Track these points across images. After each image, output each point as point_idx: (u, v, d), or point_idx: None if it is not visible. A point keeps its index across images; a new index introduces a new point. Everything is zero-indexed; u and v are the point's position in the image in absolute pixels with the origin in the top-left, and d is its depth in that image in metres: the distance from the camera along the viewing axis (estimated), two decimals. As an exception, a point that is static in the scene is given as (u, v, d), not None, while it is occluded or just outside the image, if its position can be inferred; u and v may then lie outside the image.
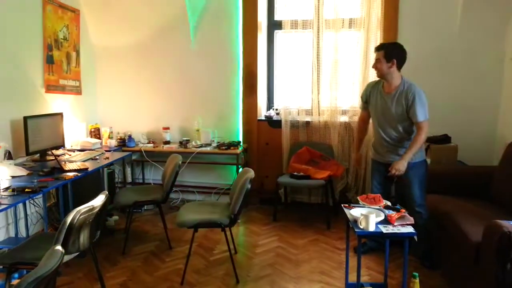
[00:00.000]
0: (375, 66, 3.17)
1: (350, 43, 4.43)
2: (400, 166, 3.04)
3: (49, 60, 4.04)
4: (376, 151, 3.39)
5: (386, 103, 3.17)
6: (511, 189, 3.17)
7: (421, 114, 3.03)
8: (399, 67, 3.12)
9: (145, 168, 5.01)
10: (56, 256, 1.64)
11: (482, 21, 4.08)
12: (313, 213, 4.44)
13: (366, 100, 3.37)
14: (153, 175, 4.95)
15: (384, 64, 3.09)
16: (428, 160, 3.92)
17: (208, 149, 4.52)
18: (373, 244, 3.47)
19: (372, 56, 4.24)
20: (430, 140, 4.07)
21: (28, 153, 3.49)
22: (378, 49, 3.17)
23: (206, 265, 3.27)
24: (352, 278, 2.79)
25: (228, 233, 3.17)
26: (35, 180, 2.89)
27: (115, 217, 4.18)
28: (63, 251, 1.70)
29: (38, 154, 3.65)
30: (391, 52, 3.09)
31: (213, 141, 4.65)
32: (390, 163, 3.24)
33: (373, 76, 4.27)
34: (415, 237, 2.40)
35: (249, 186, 2.87)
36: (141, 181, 5.02)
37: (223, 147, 4.45)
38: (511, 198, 3.12)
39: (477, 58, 4.17)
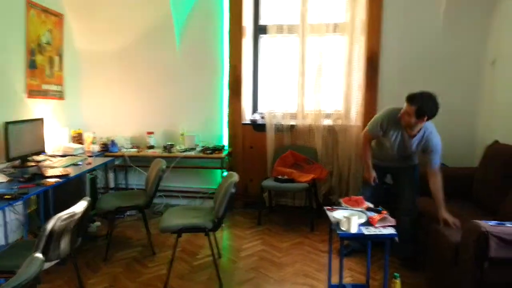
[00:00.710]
0: (403, 116, 3.03)
1: (335, 48, 4.49)
2: (450, 217, 2.94)
3: (32, 65, 3.99)
4: (377, 159, 3.44)
5: (406, 143, 3.18)
6: (490, 190, 3.24)
7: (437, 161, 3.11)
8: (428, 120, 3.03)
9: (128, 173, 4.98)
10: (35, 263, 1.63)
11: (464, 25, 4.17)
12: (297, 216, 4.47)
13: (382, 132, 3.25)
14: (136, 180, 4.91)
15: (413, 119, 2.98)
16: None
17: (192, 153, 4.51)
18: (357, 245, 3.50)
19: (356, 60, 4.35)
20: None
21: (8, 159, 3.44)
22: (410, 103, 2.95)
23: (190, 270, 3.25)
24: (335, 280, 2.81)
25: (212, 237, 3.16)
26: (15, 187, 2.84)
27: (97, 223, 4.14)
28: (43, 258, 1.68)
29: (19, 160, 3.60)
30: (424, 111, 2.93)
31: (198, 145, 4.65)
32: (389, 167, 3.36)
33: (357, 81, 4.37)
34: (396, 238, 2.43)
35: (233, 190, 2.87)
36: (124, 186, 4.98)
37: (208, 151, 4.45)
38: (490, 198, 3.19)
39: (458, 61, 4.25)
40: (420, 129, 3.09)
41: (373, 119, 3.39)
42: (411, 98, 2.96)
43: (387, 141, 3.27)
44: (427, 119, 2.99)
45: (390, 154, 3.31)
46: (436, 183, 3.07)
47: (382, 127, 3.22)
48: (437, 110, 2.95)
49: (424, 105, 2.92)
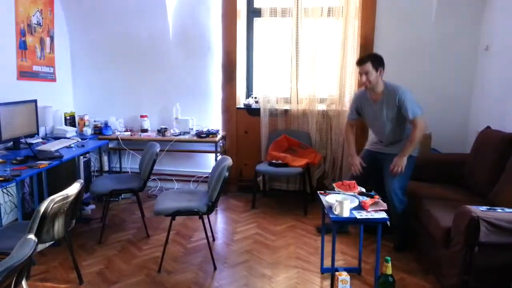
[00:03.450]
0: (365, 80, 3.17)
1: (329, 32, 4.45)
2: (401, 162, 3.15)
3: (22, 46, 3.93)
4: (372, 144, 3.50)
5: (377, 110, 3.27)
6: (481, 176, 3.28)
7: (411, 111, 3.12)
8: (376, 67, 3.20)
9: (122, 157, 4.96)
10: (28, 245, 1.63)
11: (458, 10, 4.15)
12: (291, 200, 4.50)
13: (357, 111, 3.45)
14: (130, 164, 4.90)
15: (374, 74, 3.16)
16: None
17: (186, 137, 4.49)
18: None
19: (350, 44, 4.33)
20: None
21: (0, 141, 3.41)
22: (363, 62, 3.18)
23: (184, 253, 3.28)
24: (328, 263, 2.84)
25: (206, 220, 3.18)
26: (8, 169, 2.83)
27: (92, 206, 4.15)
28: (36, 240, 1.68)
29: (11, 142, 3.57)
30: (377, 62, 3.17)
31: (192, 129, 4.63)
32: (382, 153, 3.36)
33: (351, 66, 4.35)
34: (388, 223, 2.47)
35: (226, 174, 2.88)
36: (118, 169, 4.97)
37: (202, 135, 4.44)
38: (481, 184, 3.23)
39: (452, 48, 4.25)
40: (383, 90, 3.22)
41: None
42: (362, 60, 3.22)
43: (367, 119, 3.40)
44: (375, 65, 3.16)
45: (380, 133, 3.37)
46: (412, 134, 3.16)
47: (356, 109, 3.44)
48: (378, 55, 3.25)
49: (374, 57, 3.22)
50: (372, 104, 3.30)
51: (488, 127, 3.55)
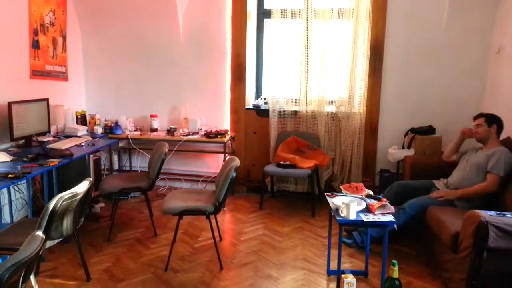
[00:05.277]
0: (475, 130, 3.32)
1: (339, 33, 4.44)
2: (447, 194, 3.20)
3: (35, 45, 3.99)
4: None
5: (476, 156, 3.27)
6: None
7: (494, 165, 3.06)
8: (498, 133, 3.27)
9: (132, 156, 5.00)
10: (36, 241, 1.65)
11: (469, 14, 4.11)
12: (299, 202, 4.49)
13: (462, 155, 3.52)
14: (140, 163, 4.94)
15: (485, 127, 3.26)
16: (413, 151, 3.99)
17: (195, 137, 4.52)
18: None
19: (360, 46, 4.31)
20: (415, 131, 4.13)
21: (12, 139, 3.47)
22: (477, 117, 3.34)
23: (191, 252, 3.30)
24: (334, 266, 2.83)
25: (213, 220, 3.19)
26: (19, 166, 2.87)
27: (101, 204, 4.18)
28: (44, 236, 1.70)
29: (23, 140, 3.63)
30: (491, 120, 3.26)
31: (201, 129, 4.65)
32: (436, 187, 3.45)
33: (360, 68, 4.34)
34: (395, 226, 2.45)
35: (234, 174, 2.88)
36: (128, 168, 5.02)
37: (211, 136, 4.45)
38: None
39: (463, 51, 4.20)
40: (492, 147, 3.23)
41: None
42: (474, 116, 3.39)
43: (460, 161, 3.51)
44: (488, 120, 3.27)
45: (457, 175, 3.41)
46: (478, 185, 3.12)
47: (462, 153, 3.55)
48: (495, 116, 3.29)
49: (481, 113, 3.37)
50: (477, 152, 3.34)
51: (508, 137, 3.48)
